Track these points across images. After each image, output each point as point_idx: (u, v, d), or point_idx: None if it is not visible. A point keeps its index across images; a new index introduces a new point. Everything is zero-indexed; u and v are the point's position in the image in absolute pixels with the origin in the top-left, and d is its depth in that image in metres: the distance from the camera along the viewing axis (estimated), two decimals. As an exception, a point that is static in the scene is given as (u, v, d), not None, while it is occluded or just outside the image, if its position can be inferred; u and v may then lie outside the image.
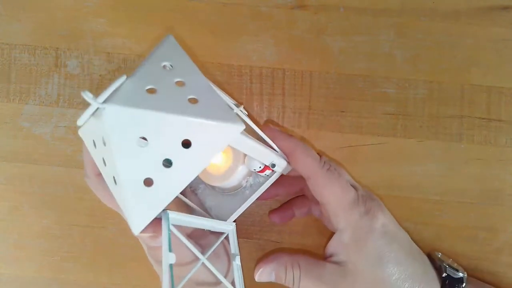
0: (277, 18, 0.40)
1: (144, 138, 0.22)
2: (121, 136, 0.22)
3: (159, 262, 0.29)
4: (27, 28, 0.40)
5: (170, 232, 0.25)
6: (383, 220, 0.32)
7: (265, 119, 0.40)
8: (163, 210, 0.25)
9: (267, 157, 0.30)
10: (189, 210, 0.32)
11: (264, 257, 0.34)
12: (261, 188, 0.33)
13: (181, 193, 0.31)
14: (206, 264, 0.26)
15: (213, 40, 0.40)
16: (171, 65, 0.24)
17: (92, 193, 0.39)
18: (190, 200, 0.32)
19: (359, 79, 0.39)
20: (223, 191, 0.34)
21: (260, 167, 0.31)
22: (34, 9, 0.40)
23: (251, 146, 0.26)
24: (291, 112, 0.39)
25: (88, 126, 0.24)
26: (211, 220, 0.30)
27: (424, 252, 0.35)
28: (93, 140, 0.24)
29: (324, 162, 0.32)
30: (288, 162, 0.32)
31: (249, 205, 0.33)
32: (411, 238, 0.35)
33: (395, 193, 0.39)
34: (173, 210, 0.27)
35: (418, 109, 0.39)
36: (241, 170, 0.32)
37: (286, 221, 0.38)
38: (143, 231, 0.24)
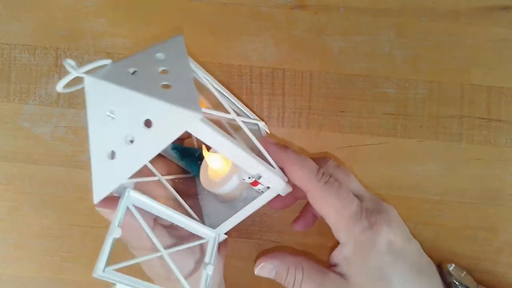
0: (277, 18, 0.40)
1: (113, 112, 0.24)
2: (94, 106, 0.24)
3: (127, 243, 0.29)
4: (27, 28, 0.40)
5: (125, 208, 0.25)
6: (388, 235, 0.29)
7: (265, 119, 0.40)
8: (125, 188, 0.26)
9: (251, 167, 0.28)
10: (183, 210, 0.32)
11: (266, 252, 0.33)
12: (252, 203, 0.31)
13: (185, 195, 0.32)
14: (166, 258, 0.26)
15: (213, 40, 0.40)
16: (164, 57, 0.26)
17: (92, 193, 0.39)
18: (193, 204, 0.32)
19: (359, 79, 0.39)
20: (221, 200, 0.33)
21: (249, 178, 0.30)
22: (34, 9, 0.40)
23: (218, 141, 0.26)
24: (291, 112, 0.39)
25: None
26: (190, 221, 0.29)
27: (435, 262, 0.33)
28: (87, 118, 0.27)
29: (322, 174, 0.30)
30: (288, 182, 0.31)
31: (240, 218, 0.31)
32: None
33: (395, 193, 0.39)
34: (166, 205, 0.28)
35: (418, 109, 0.39)
36: (236, 179, 0.31)
37: (311, 226, 0.37)
38: (104, 206, 0.25)
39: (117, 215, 0.25)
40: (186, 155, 0.35)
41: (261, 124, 0.36)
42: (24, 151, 0.40)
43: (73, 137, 0.40)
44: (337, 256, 0.31)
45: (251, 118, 0.34)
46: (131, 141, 0.24)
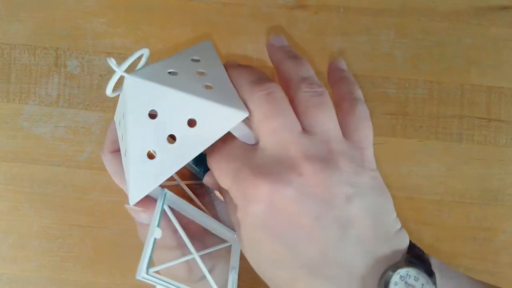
0: (277, 18, 0.40)
1: (155, 112, 0.24)
2: (135, 106, 0.24)
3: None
4: (27, 28, 0.40)
5: (163, 209, 0.25)
6: None
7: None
8: (162, 189, 0.26)
9: None
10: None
11: None
12: None
13: (200, 200, 0.32)
14: (198, 260, 0.26)
15: (213, 40, 0.40)
16: (198, 59, 0.26)
17: (92, 193, 0.39)
18: (208, 211, 0.32)
19: (359, 79, 0.39)
20: None
21: None
22: (34, 9, 0.40)
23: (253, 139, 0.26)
24: (291, 112, 0.39)
25: (118, 107, 0.27)
26: (216, 223, 0.30)
27: None
28: (119, 120, 0.26)
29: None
30: None
31: None
32: (411, 239, 0.35)
33: (395, 193, 0.39)
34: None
35: (418, 109, 0.39)
36: None
37: None
38: (136, 204, 0.25)
39: (156, 216, 0.25)
40: (201, 161, 0.35)
41: None
42: (24, 151, 0.40)
43: (73, 137, 0.40)
44: None
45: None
46: (173, 141, 0.24)
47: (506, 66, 0.39)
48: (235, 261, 0.30)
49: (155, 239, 0.24)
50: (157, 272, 0.24)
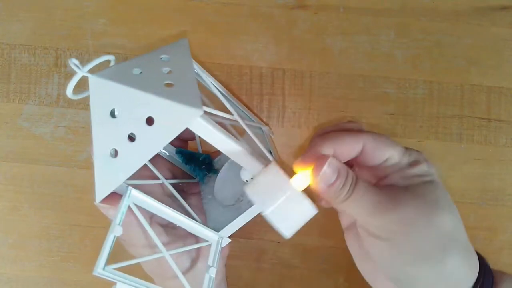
0: (277, 18, 0.40)
1: (115, 111, 0.24)
2: (98, 106, 0.25)
3: (124, 241, 0.29)
4: (27, 28, 0.40)
5: (126, 206, 0.26)
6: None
7: (265, 119, 0.40)
8: (127, 186, 0.26)
9: (253, 166, 0.27)
10: (185, 212, 0.32)
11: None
12: (251, 208, 0.30)
13: (189, 199, 0.31)
14: (167, 258, 0.27)
15: (213, 40, 0.40)
16: (168, 58, 0.26)
17: (92, 193, 0.39)
18: (197, 209, 0.32)
19: (359, 79, 0.39)
20: (224, 203, 0.33)
21: (251, 178, 0.29)
22: (34, 9, 0.40)
23: (219, 139, 0.25)
24: (291, 112, 0.39)
25: None
26: (194, 222, 0.29)
27: None
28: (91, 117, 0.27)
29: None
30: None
31: (244, 221, 0.31)
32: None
33: (395, 193, 0.39)
34: (167, 205, 0.28)
35: (418, 109, 0.39)
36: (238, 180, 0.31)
37: None
38: (105, 202, 0.25)
39: (119, 214, 0.25)
40: (191, 159, 0.35)
41: (265, 129, 0.35)
42: (24, 151, 0.40)
43: (73, 137, 0.40)
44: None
45: (254, 122, 0.34)
46: (133, 139, 0.24)
47: (506, 66, 0.39)
48: (213, 260, 0.30)
49: (115, 236, 0.25)
50: (120, 269, 0.24)
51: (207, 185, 0.35)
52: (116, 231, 0.24)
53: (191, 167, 0.35)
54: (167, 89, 0.24)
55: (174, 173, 0.34)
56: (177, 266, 0.27)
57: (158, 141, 0.24)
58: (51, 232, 0.40)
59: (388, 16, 0.39)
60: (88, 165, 0.39)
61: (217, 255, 0.30)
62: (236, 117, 0.28)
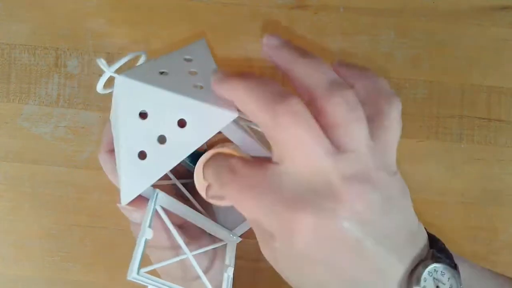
0: (277, 18, 0.40)
1: (146, 112, 0.24)
2: (126, 107, 0.24)
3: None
4: (27, 28, 0.40)
5: (154, 209, 0.25)
6: None
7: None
8: (154, 189, 0.26)
9: None
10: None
11: None
12: None
13: (196, 199, 0.31)
14: (192, 260, 0.27)
15: (213, 40, 0.40)
16: (191, 59, 0.26)
17: (92, 193, 0.39)
18: (205, 209, 0.32)
19: (359, 79, 0.39)
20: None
21: None
22: (34, 9, 0.40)
23: (247, 141, 0.26)
24: (291, 112, 0.39)
25: (112, 106, 0.27)
26: (211, 223, 0.30)
27: None
28: (113, 120, 0.27)
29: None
30: None
31: None
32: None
33: (395, 193, 0.39)
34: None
35: (418, 109, 0.39)
36: None
37: None
38: (129, 204, 0.25)
39: (147, 217, 0.25)
40: (197, 159, 0.35)
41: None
42: (24, 151, 0.40)
43: (73, 137, 0.40)
44: None
45: None
46: (164, 141, 0.24)
47: (506, 66, 0.39)
48: (230, 259, 0.30)
49: (146, 239, 0.24)
50: (150, 272, 0.24)
51: None
52: (147, 234, 0.24)
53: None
54: (198, 91, 0.24)
55: (179, 173, 0.34)
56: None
57: (189, 143, 0.23)
58: (51, 232, 0.40)
59: (388, 16, 0.39)
60: (88, 165, 0.39)
61: (234, 255, 0.30)
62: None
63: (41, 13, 0.40)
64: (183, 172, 0.35)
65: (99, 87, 0.25)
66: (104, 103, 0.39)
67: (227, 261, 0.30)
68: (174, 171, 0.34)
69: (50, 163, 0.40)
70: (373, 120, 0.24)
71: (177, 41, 0.40)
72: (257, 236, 0.24)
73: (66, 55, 0.40)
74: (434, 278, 0.22)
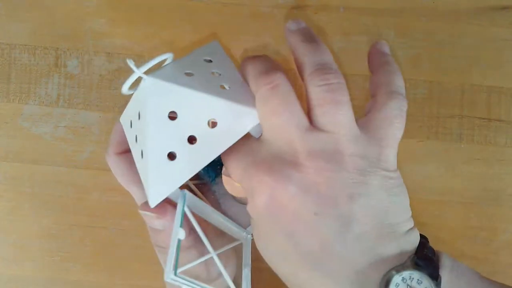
0: (277, 18, 0.40)
1: (175, 113, 0.24)
2: (155, 108, 0.24)
3: (159, 247, 0.29)
4: (27, 28, 0.40)
5: (184, 210, 0.25)
6: None
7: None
8: (182, 190, 0.26)
9: None
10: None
11: None
12: None
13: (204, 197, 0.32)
14: (215, 259, 0.27)
15: (213, 40, 0.40)
16: (210, 60, 0.26)
17: (92, 193, 0.39)
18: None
19: (359, 79, 0.39)
20: (244, 202, 0.34)
21: None
22: (34, 9, 0.40)
23: None
24: (291, 112, 0.39)
25: (128, 108, 0.27)
26: (230, 222, 0.30)
27: None
28: (131, 121, 0.26)
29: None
30: None
31: None
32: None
33: (395, 193, 0.39)
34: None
35: (418, 109, 0.39)
36: None
37: None
38: (151, 210, 0.25)
39: (178, 217, 0.25)
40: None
41: None
42: (24, 151, 0.40)
43: (73, 137, 0.40)
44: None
45: None
46: (194, 141, 0.24)
47: (506, 66, 0.39)
48: (247, 258, 0.30)
49: (179, 240, 0.24)
50: (182, 272, 0.24)
51: (219, 185, 0.35)
52: (180, 234, 0.24)
53: (206, 167, 0.35)
54: (225, 91, 0.24)
55: None
56: (216, 269, 0.27)
57: (220, 143, 0.23)
58: (51, 232, 0.40)
59: (388, 16, 0.39)
60: (88, 165, 0.39)
61: (249, 253, 0.30)
62: None
63: (41, 13, 0.40)
64: None
65: (125, 88, 0.24)
66: (104, 103, 0.39)
67: (245, 260, 0.30)
68: None
69: (50, 163, 0.40)
70: (369, 111, 0.25)
71: (177, 42, 0.40)
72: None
73: (66, 55, 0.40)
74: (408, 285, 0.22)
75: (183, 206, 0.25)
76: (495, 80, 0.39)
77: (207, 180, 0.36)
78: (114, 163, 0.29)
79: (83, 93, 0.39)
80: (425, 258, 0.23)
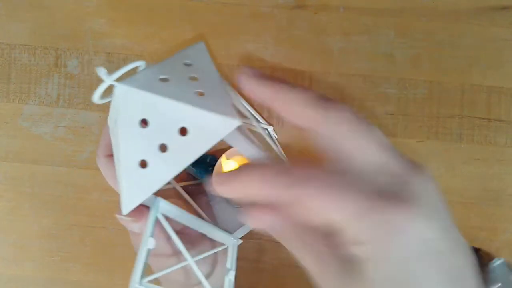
0: (277, 18, 0.40)
1: (146, 121, 0.23)
2: (126, 115, 0.23)
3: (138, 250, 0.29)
4: (27, 28, 0.40)
5: (156, 218, 0.25)
6: (415, 233, 0.20)
7: (265, 119, 0.40)
8: (156, 197, 0.26)
9: None
10: (197, 215, 0.32)
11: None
12: None
13: (196, 202, 0.32)
14: (193, 266, 0.26)
15: (213, 40, 0.40)
16: (191, 63, 0.26)
17: (92, 193, 0.39)
18: (205, 211, 0.32)
19: (359, 79, 0.39)
20: (236, 205, 0.33)
21: None
22: (34, 9, 0.40)
23: (248, 149, 0.25)
24: (291, 112, 0.39)
25: (110, 113, 0.27)
26: (212, 227, 0.30)
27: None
28: (112, 126, 0.26)
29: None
30: None
31: None
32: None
33: (395, 193, 0.39)
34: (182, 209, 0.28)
35: (418, 109, 0.39)
36: None
37: None
38: (127, 214, 0.25)
39: (149, 226, 0.25)
40: (198, 161, 0.35)
41: (270, 129, 0.36)
42: (24, 151, 0.40)
43: (73, 137, 0.40)
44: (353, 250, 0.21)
45: (262, 123, 0.34)
46: (165, 150, 0.23)
47: (506, 66, 0.39)
48: (231, 263, 0.30)
49: (148, 249, 0.24)
50: (153, 280, 0.24)
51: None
52: (149, 243, 0.24)
53: (197, 169, 0.35)
54: (199, 98, 0.23)
55: (179, 176, 0.34)
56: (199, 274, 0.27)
57: (191, 151, 0.23)
58: (51, 232, 0.40)
59: (388, 16, 0.39)
60: (88, 165, 0.39)
61: (235, 258, 0.30)
62: (254, 122, 0.28)
63: (41, 13, 0.40)
64: (183, 175, 0.35)
65: (96, 97, 0.24)
66: (104, 103, 0.39)
67: (228, 265, 0.30)
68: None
69: (50, 163, 0.40)
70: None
71: (177, 42, 0.40)
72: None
73: (66, 55, 0.40)
74: None
75: (155, 215, 0.25)
76: (495, 80, 0.39)
77: (202, 182, 0.36)
78: (103, 165, 0.29)
79: (83, 93, 0.39)
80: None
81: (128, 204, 0.24)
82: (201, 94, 0.24)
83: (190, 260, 0.26)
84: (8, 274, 0.40)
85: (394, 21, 0.39)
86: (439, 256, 0.20)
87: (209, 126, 0.23)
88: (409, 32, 0.39)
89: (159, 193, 0.29)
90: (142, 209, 0.26)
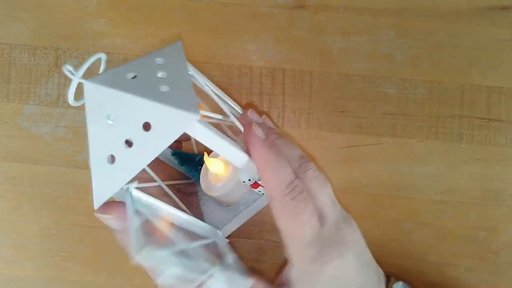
0: (277, 18, 0.40)
1: (112, 117, 0.24)
2: (94, 111, 0.25)
3: (124, 247, 0.29)
4: (27, 28, 0.40)
5: (134, 209, 0.25)
6: (335, 269, 0.27)
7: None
8: (126, 190, 0.26)
9: (250, 168, 0.28)
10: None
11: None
12: (252, 206, 0.32)
13: (188, 201, 0.32)
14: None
15: (213, 40, 0.40)
16: (163, 62, 0.26)
17: (92, 193, 0.39)
18: (197, 210, 0.32)
19: (359, 79, 0.39)
20: (222, 204, 0.34)
21: (249, 180, 0.30)
22: (34, 9, 0.40)
23: (216, 142, 0.26)
24: (291, 112, 0.39)
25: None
26: (196, 220, 0.30)
27: (402, 271, 0.35)
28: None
29: (293, 188, 0.27)
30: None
31: (241, 222, 0.32)
32: (412, 239, 0.34)
33: (395, 193, 0.39)
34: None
35: (418, 109, 0.39)
36: (235, 182, 0.31)
37: None
38: (104, 212, 0.26)
39: (129, 208, 0.25)
40: (187, 160, 0.35)
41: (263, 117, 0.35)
42: (24, 151, 0.40)
43: (73, 137, 0.40)
44: (285, 276, 0.29)
45: (232, 117, 0.34)
46: (131, 145, 0.24)
47: (506, 66, 0.39)
48: (227, 256, 0.30)
49: (136, 227, 0.24)
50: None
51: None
52: (135, 222, 0.24)
53: (187, 168, 0.35)
54: (163, 93, 0.24)
55: (170, 174, 0.34)
56: None
57: (156, 146, 0.24)
58: (51, 232, 0.40)
59: (388, 16, 0.39)
60: (88, 165, 0.39)
61: (228, 249, 0.30)
62: (232, 118, 0.28)
63: (41, 13, 0.40)
64: (174, 173, 0.35)
65: (70, 97, 0.25)
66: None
67: (226, 259, 0.30)
68: (166, 172, 0.34)
69: (50, 163, 0.40)
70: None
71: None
72: None
73: (66, 55, 0.40)
74: None
75: (132, 209, 0.26)
76: (495, 80, 0.39)
77: (194, 180, 0.36)
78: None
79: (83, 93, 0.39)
80: None
81: (98, 199, 0.25)
82: (166, 90, 0.24)
83: (187, 246, 0.26)
84: (8, 274, 0.40)
85: (394, 21, 0.39)
86: (350, 282, 0.28)
87: (171, 121, 0.23)
88: (409, 32, 0.39)
89: (147, 191, 0.29)
90: (112, 203, 0.27)
